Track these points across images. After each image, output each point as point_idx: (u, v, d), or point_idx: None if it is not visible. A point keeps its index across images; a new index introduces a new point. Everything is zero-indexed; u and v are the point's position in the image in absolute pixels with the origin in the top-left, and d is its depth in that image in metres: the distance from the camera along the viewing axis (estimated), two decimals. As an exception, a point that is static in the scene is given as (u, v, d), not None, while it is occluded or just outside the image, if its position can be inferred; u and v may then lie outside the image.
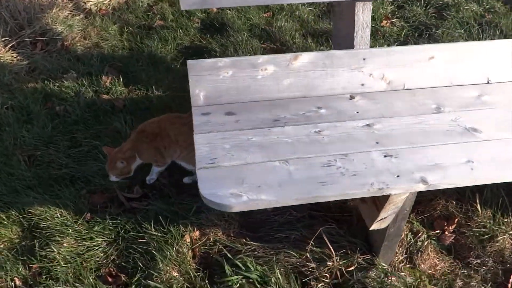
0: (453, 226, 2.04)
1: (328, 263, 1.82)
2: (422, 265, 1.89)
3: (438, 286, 1.82)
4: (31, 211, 2.07)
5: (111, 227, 2.02)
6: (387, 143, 1.59)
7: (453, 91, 1.87)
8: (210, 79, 1.77)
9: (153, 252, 1.86)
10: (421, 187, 1.43)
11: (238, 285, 1.78)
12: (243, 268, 1.81)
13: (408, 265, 1.88)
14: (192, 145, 2.14)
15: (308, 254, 1.85)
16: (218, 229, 1.99)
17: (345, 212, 2.05)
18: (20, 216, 2.07)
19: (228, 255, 1.87)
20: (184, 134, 2.13)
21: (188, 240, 1.95)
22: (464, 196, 2.14)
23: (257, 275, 1.79)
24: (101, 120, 2.67)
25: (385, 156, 1.53)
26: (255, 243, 1.93)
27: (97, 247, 1.94)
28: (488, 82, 1.93)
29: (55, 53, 3.34)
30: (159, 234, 1.95)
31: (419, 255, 1.92)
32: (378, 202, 1.58)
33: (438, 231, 2.02)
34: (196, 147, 1.57)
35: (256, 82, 1.80)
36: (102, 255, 1.93)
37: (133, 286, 1.80)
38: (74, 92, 2.90)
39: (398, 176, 1.45)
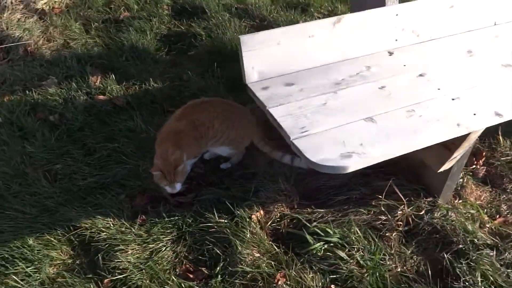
0: (482, 160, 2.23)
1: (398, 212, 1.90)
2: (470, 199, 2.05)
3: (489, 214, 2.00)
4: (77, 225, 1.90)
5: (170, 225, 1.92)
6: (447, 88, 1.69)
7: (475, 34, 2.02)
8: (263, 53, 1.73)
9: (230, 238, 1.81)
10: (498, 120, 1.55)
11: (322, 251, 1.80)
12: (322, 234, 1.84)
13: (460, 201, 2.03)
14: (229, 127, 2.10)
15: (377, 208, 1.92)
16: (280, 204, 1.99)
17: (390, 165, 2.15)
18: (67, 234, 1.89)
19: (307, 224, 1.87)
20: (220, 117, 2.07)
21: (256, 220, 1.92)
22: (485, 131, 2.33)
23: (337, 237, 1.83)
24: (107, 122, 2.49)
25: (452, 99, 1.63)
26: (321, 210, 1.96)
27: (164, 248, 1.84)
28: (494, 24, 2.11)
29: (20, 61, 3.02)
30: (225, 221, 1.90)
31: (463, 190, 2.08)
32: (453, 143, 1.69)
33: (472, 166, 2.20)
34: (279, 119, 1.54)
35: (306, 50, 1.79)
36: (171, 254, 1.83)
37: (219, 276, 1.74)
38: (63, 99, 2.66)
39: (474, 114, 1.56)
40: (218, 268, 1.76)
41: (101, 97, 2.66)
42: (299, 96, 1.65)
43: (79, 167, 2.22)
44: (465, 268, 1.72)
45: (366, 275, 1.73)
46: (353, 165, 1.37)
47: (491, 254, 1.77)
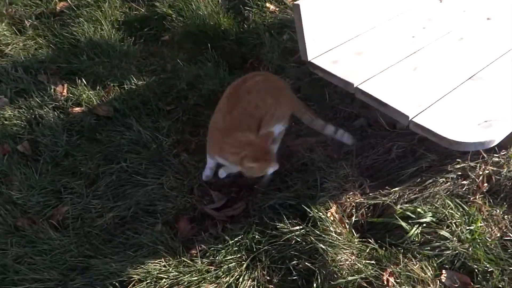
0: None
1: (478, 171, 1.73)
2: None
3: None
4: (125, 279, 1.47)
5: (236, 248, 1.58)
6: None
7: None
8: (325, 19, 1.40)
9: (317, 245, 1.52)
10: None
11: (419, 235, 1.59)
12: (413, 215, 1.62)
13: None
14: (279, 100, 1.75)
15: (454, 173, 1.74)
16: (349, 192, 1.72)
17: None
18: (113, 293, 1.46)
19: (395, 207, 1.62)
20: (269, 92, 1.73)
21: (332, 218, 1.64)
22: None
23: (430, 216, 1.62)
24: (98, 138, 2.00)
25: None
26: (396, 189, 1.73)
27: (241, 278, 1.50)
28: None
29: None
30: (300, 227, 1.59)
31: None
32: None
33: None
34: (382, 97, 1.26)
35: (364, 8, 1.50)
36: (252, 283, 1.50)
37: (320, 293, 1.46)
38: (27, 121, 2.09)
39: None
40: (314, 285, 1.48)
41: (77, 109, 2.14)
42: (381, 64, 1.37)
43: (88, 202, 1.74)
44: None
45: (470, 249, 1.56)
46: (499, 134, 1.15)
47: None
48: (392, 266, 1.51)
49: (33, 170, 1.86)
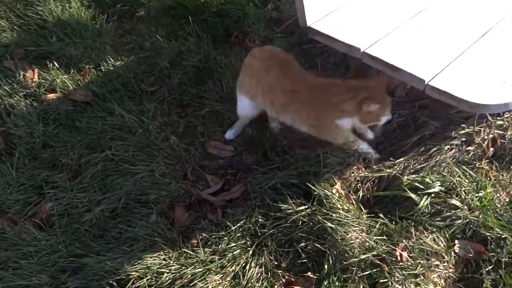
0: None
1: (484, 136, 1.67)
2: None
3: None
4: (124, 277, 1.35)
5: (239, 234, 1.48)
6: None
7: None
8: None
9: (325, 224, 1.43)
10: None
11: (428, 206, 1.52)
12: (422, 186, 1.55)
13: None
14: None
15: (458, 139, 1.67)
16: (353, 166, 1.64)
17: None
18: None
19: (402, 178, 1.55)
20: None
21: (337, 194, 1.56)
22: None
23: (439, 185, 1.55)
24: (78, 126, 1.84)
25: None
26: (400, 160, 1.65)
27: (248, 266, 1.41)
28: None
29: None
30: (305, 207, 1.50)
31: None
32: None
33: None
34: (395, 62, 1.15)
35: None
36: (260, 270, 1.41)
37: (331, 276, 1.38)
38: (-5, 112, 1.91)
39: None
40: (326, 267, 1.40)
41: (51, 96, 1.96)
42: (387, 25, 1.26)
43: (73, 196, 1.61)
44: None
45: (480, 216, 1.51)
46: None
47: None
48: (404, 241, 1.44)
49: (8, 166, 1.69)
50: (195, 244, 1.46)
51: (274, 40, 2.17)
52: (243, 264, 1.41)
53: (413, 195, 1.52)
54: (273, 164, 1.68)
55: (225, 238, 1.46)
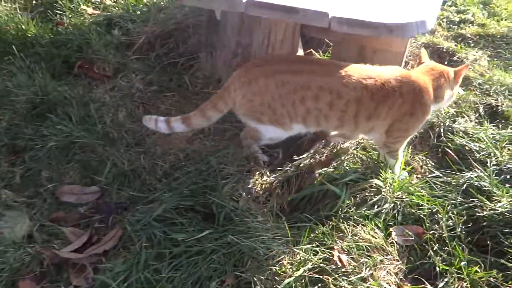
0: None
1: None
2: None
3: None
4: None
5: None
6: None
7: None
8: None
9: (246, 245, 1.06)
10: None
11: (350, 197, 1.28)
12: (337, 177, 1.31)
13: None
14: None
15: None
16: (254, 173, 1.33)
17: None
18: None
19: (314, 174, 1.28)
20: None
21: (247, 206, 1.21)
22: None
23: (354, 172, 1.34)
24: None
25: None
26: (304, 156, 1.41)
27: None
28: None
29: None
30: (209, 232, 1.12)
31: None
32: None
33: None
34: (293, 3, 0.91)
35: None
36: None
37: None
38: None
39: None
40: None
41: None
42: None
43: None
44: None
45: (403, 197, 1.33)
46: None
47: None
48: (338, 242, 1.16)
49: None
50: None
51: (129, 63, 1.84)
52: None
53: (333, 187, 1.27)
54: (156, 192, 1.28)
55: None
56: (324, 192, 1.29)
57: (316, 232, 1.18)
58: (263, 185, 1.31)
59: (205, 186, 1.22)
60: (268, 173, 1.35)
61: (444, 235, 1.22)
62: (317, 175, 1.33)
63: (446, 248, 1.20)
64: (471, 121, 1.68)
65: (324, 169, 1.34)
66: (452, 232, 1.24)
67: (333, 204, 1.26)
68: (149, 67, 1.83)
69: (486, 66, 2.07)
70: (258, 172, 1.33)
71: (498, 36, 2.36)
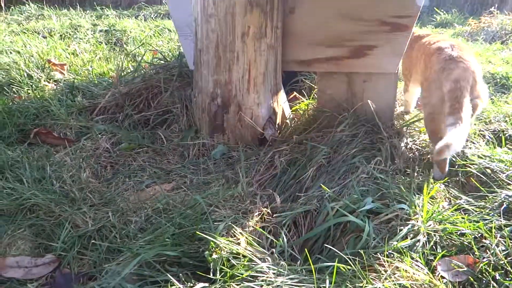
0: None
1: (387, 146, 1.35)
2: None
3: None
4: None
5: None
6: None
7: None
8: None
9: None
10: None
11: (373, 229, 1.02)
12: (354, 206, 1.06)
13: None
14: None
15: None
16: (254, 213, 1.06)
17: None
18: None
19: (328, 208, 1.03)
20: None
21: (248, 251, 0.93)
22: None
23: (371, 202, 1.09)
24: None
25: None
26: (309, 193, 1.17)
27: None
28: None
29: None
30: (204, 285, 0.82)
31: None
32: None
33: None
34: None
35: None
36: None
37: None
38: None
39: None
40: None
41: None
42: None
43: None
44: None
45: (435, 226, 1.08)
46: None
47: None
48: (374, 283, 0.88)
49: None
50: None
51: (94, 126, 1.63)
52: None
53: (354, 218, 1.01)
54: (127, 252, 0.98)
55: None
56: (342, 225, 1.03)
57: (344, 273, 0.90)
58: (266, 228, 1.04)
59: (192, 229, 0.94)
60: (270, 213, 1.09)
61: (501, 262, 0.97)
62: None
63: (508, 277, 0.93)
64: (480, 146, 1.52)
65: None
66: (509, 258, 0.99)
67: (356, 241, 1.00)
68: (117, 128, 1.62)
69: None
70: (257, 213, 1.07)
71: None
